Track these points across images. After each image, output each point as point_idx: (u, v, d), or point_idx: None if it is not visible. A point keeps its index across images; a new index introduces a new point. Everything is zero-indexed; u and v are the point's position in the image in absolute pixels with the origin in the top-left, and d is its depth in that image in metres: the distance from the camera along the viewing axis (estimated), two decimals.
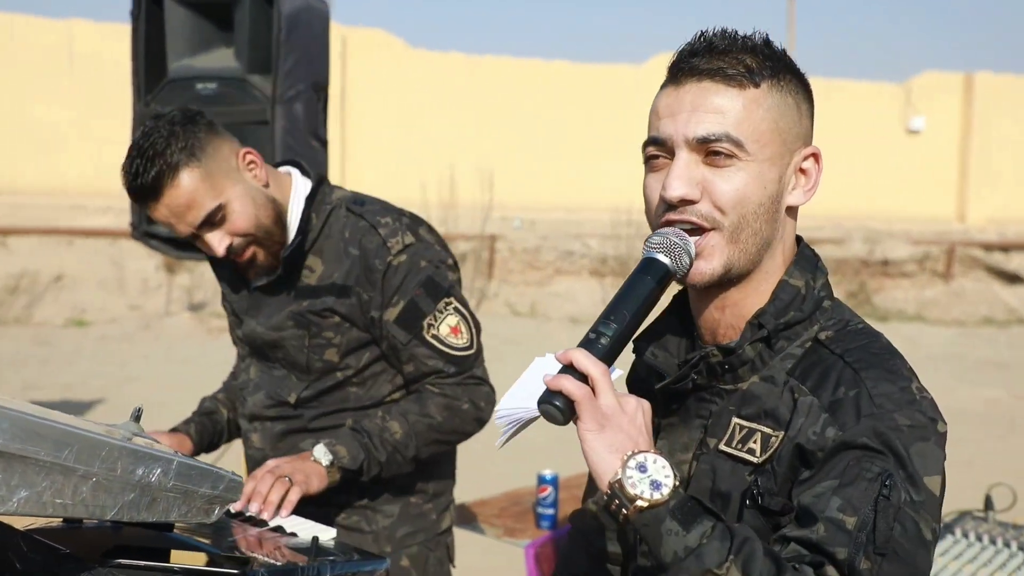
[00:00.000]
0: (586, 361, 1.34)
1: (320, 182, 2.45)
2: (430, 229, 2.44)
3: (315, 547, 1.80)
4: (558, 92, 18.81)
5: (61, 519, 1.72)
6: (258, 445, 2.48)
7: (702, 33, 1.44)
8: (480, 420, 2.40)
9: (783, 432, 1.39)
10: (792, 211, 1.47)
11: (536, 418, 1.39)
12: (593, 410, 1.33)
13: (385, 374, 2.42)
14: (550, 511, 3.41)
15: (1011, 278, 16.51)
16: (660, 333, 1.58)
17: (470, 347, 2.38)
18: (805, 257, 1.49)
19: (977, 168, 20.68)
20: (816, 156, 1.46)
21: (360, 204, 2.42)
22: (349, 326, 2.38)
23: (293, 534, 1.97)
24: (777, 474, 1.38)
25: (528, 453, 5.40)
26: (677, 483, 1.31)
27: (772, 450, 1.39)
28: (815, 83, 1.50)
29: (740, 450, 1.42)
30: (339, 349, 2.39)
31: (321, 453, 2.24)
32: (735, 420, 1.44)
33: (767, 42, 1.43)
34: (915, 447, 1.32)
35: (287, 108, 3.38)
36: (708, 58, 1.40)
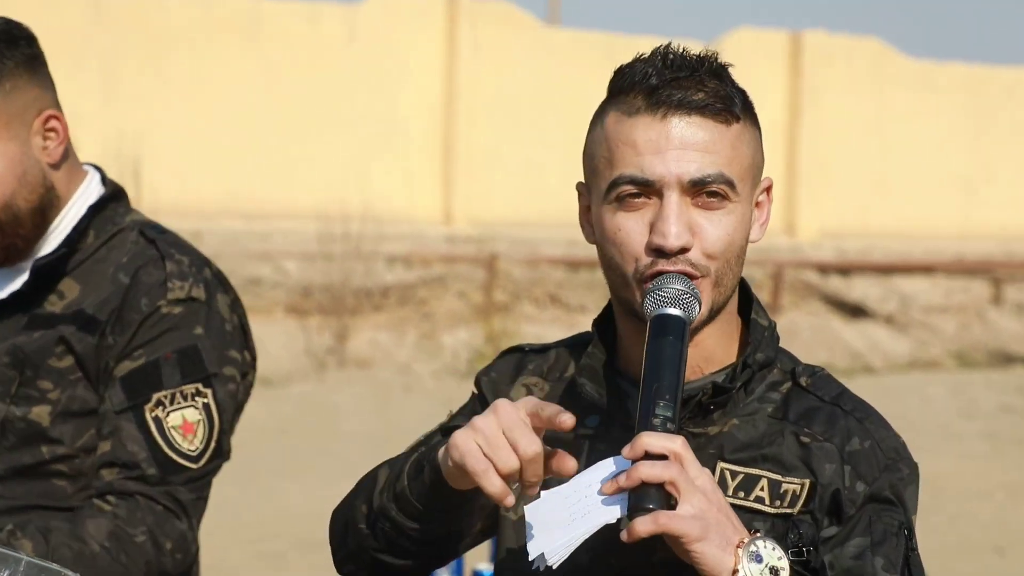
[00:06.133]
0: (662, 440, 1.69)
1: (115, 196, 2.62)
2: (235, 306, 2.64)
3: None
4: (231, 41, 18.91)
5: None
6: None
7: (663, 56, 1.85)
8: (156, 568, 2.44)
9: (809, 479, 1.84)
10: None
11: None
12: (692, 495, 1.68)
13: None
14: None
15: (853, 311, 17.67)
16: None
17: (195, 459, 2.50)
18: (752, 294, 1.96)
19: (809, 161, 22.03)
20: (769, 188, 1.93)
21: (160, 232, 2.61)
22: (78, 377, 2.50)
23: None
24: (819, 524, 1.83)
25: None
26: (787, 562, 1.71)
27: (801, 499, 1.84)
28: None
29: (745, 499, 1.85)
30: (53, 408, 2.49)
31: None
32: (721, 465, 1.86)
33: (724, 66, 1.87)
34: (908, 491, 1.86)
35: None
36: (688, 88, 1.82)
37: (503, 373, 2.07)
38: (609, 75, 1.90)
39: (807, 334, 16.80)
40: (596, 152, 1.88)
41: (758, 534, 1.71)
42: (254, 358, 2.72)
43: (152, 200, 16.35)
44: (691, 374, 1.88)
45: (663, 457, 1.68)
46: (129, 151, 16.99)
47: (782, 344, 2.00)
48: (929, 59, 23.81)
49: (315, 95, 19.40)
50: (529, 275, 16.99)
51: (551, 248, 17.00)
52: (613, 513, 1.69)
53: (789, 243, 20.55)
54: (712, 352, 1.91)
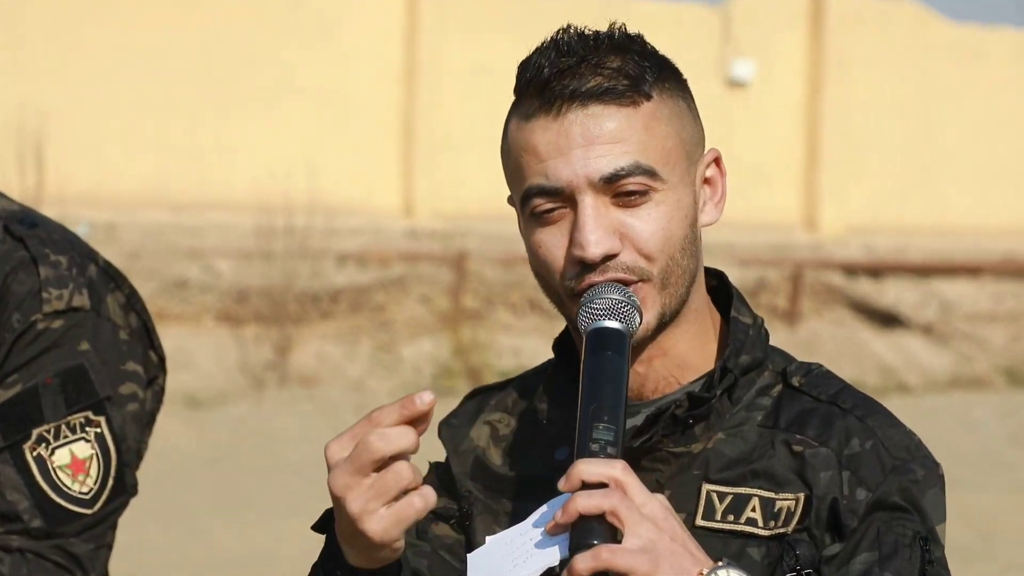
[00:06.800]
0: (599, 467, 1.73)
1: None
2: (131, 303, 2.62)
3: None
4: (157, 2, 19.16)
5: None
6: None
7: (556, 42, 1.93)
8: None
9: (804, 492, 1.89)
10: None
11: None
12: (638, 524, 1.72)
13: None
14: None
15: (885, 319, 17.42)
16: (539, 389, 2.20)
17: (89, 503, 2.50)
18: (730, 287, 2.08)
19: (833, 144, 22.17)
20: (717, 160, 2.05)
21: (30, 226, 2.58)
22: None
23: None
24: (817, 541, 1.87)
25: None
26: None
27: (796, 516, 1.88)
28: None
29: (736, 522, 1.90)
30: None
31: None
32: (706, 488, 1.93)
33: (632, 37, 1.95)
34: (928, 497, 1.91)
35: None
36: (583, 75, 1.90)
37: (464, 417, 2.14)
38: None
39: (830, 346, 17.21)
40: (507, 164, 1.97)
41: (720, 563, 1.71)
42: (162, 358, 2.71)
43: (60, 187, 16.60)
44: (665, 386, 2.01)
45: (603, 485, 1.71)
46: (32, 129, 17.14)
47: (803, 359, 2.05)
48: (976, 24, 24.15)
49: (254, 66, 19.62)
50: (504, 277, 17.14)
51: None
52: (555, 554, 1.74)
53: (809, 240, 21.19)
54: (685, 358, 2.01)
